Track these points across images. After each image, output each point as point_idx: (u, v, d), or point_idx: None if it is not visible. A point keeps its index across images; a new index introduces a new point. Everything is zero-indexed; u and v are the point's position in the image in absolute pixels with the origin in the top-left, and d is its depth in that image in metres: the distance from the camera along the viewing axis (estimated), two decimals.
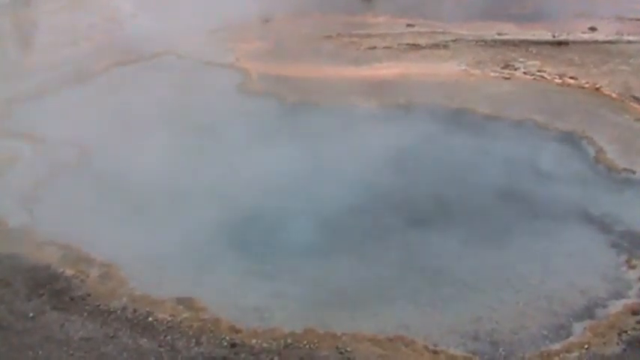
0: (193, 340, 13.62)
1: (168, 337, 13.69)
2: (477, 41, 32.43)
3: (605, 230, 17.62)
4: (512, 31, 34.19)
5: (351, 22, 36.38)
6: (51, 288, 15.15)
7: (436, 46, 32.20)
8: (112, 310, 14.48)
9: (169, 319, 14.19)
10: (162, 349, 13.37)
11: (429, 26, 35.59)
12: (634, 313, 14.37)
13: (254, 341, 13.60)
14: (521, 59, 29.73)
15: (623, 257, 16.41)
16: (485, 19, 36.18)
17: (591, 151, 21.65)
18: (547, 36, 33.04)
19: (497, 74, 28.12)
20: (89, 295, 14.94)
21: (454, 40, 32.72)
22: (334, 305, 15.20)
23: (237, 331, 13.88)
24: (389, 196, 19.57)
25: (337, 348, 13.41)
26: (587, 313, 14.60)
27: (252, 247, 17.38)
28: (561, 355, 13.33)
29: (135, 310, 14.44)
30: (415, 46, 32.12)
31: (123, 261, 16.20)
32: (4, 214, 18.04)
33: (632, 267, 16.00)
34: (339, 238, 17.64)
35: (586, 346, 13.46)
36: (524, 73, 28.16)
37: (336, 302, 15.33)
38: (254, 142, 22.33)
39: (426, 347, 13.58)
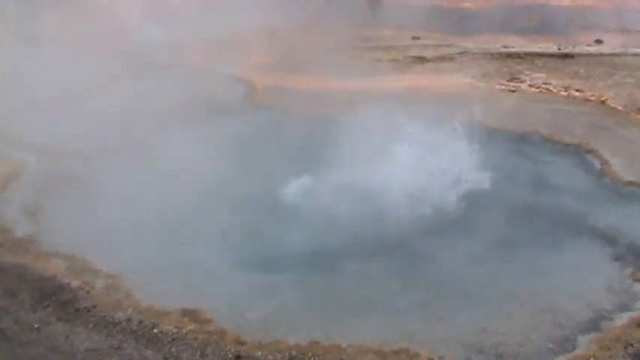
0: (198, 352, 13.59)
1: (174, 349, 13.67)
2: (482, 54, 32.55)
3: (610, 243, 17.57)
4: (517, 44, 34.33)
5: (357, 35, 36.48)
6: (56, 299, 15.16)
7: (442, 58, 32.33)
8: (117, 321, 14.47)
9: (174, 330, 14.17)
10: None
11: (434, 39, 35.79)
12: None
13: (259, 353, 13.59)
14: (526, 72, 29.83)
15: (629, 270, 16.36)
16: (491, 32, 36.33)
17: (597, 164, 21.68)
18: (553, 49, 33.19)
19: (502, 87, 28.23)
20: (95, 306, 14.94)
21: (460, 53, 32.85)
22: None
23: (242, 343, 13.88)
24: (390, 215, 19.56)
25: None
26: (593, 325, 14.53)
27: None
28: None
29: (140, 322, 14.43)
30: (421, 59, 32.24)
31: (128, 272, 16.23)
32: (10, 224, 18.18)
33: (638, 280, 15.94)
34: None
35: (592, 359, 13.43)
36: (530, 85, 28.27)
37: None
38: (259, 153, 22.40)
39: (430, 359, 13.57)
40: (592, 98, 26.53)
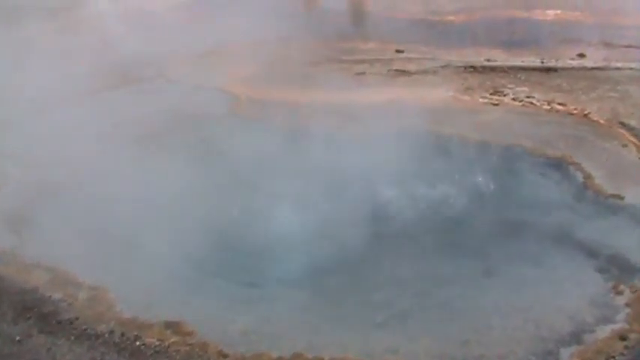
0: None
1: None
2: (465, 67, 32.56)
3: (592, 256, 17.63)
4: (500, 58, 34.34)
5: (341, 48, 36.48)
6: (38, 311, 15.11)
7: (425, 72, 32.31)
8: (99, 333, 14.44)
9: (157, 343, 14.15)
10: None
11: (418, 52, 35.71)
12: (622, 338, 14.40)
13: None
14: (510, 85, 29.85)
15: (611, 283, 16.43)
16: (474, 46, 36.35)
17: (579, 177, 21.75)
18: (536, 62, 33.22)
19: (486, 100, 28.23)
20: (77, 318, 14.89)
21: (443, 67, 32.85)
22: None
23: (225, 356, 13.85)
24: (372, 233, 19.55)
25: None
26: (575, 338, 14.58)
27: None
28: None
29: (122, 334, 14.40)
30: (404, 72, 32.21)
31: (111, 284, 16.15)
32: None
33: (620, 292, 16.02)
34: None
35: None
36: (513, 99, 28.28)
37: None
38: (243, 167, 22.35)
39: None
40: (575, 112, 26.60)
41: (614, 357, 13.84)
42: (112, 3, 39.89)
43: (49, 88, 27.28)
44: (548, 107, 27.25)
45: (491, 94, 28.89)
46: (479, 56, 34.45)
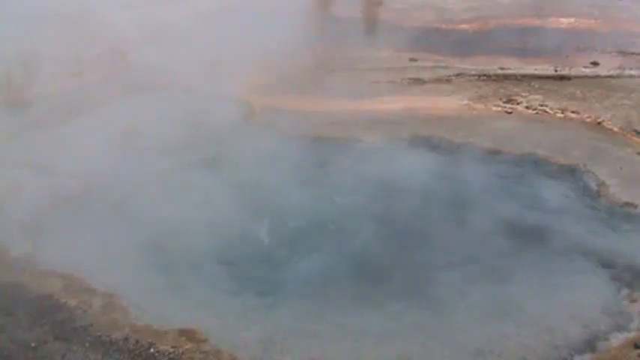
0: None
1: None
2: (479, 76, 32.56)
3: (607, 264, 17.60)
4: (514, 66, 34.33)
5: (355, 57, 36.48)
6: (53, 318, 15.16)
7: (439, 80, 32.30)
8: (113, 340, 14.47)
9: (171, 350, 14.18)
10: None
11: (431, 61, 35.74)
12: (636, 346, 14.36)
13: None
14: (523, 93, 29.82)
15: (625, 291, 16.40)
16: (487, 54, 36.37)
17: (593, 185, 21.71)
18: (549, 70, 33.21)
19: (499, 108, 28.21)
20: (91, 325, 14.94)
21: (457, 75, 32.85)
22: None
23: None
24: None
25: None
26: (589, 346, 14.55)
27: None
28: None
29: (137, 341, 14.43)
30: (418, 81, 32.20)
31: (125, 291, 16.20)
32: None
33: (634, 300, 15.99)
34: None
35: None
36: (527, 107, 28.25)
37: None
38: (259, 177, 22.37)
39: None
40: (588, 120, 26.57)
41: None
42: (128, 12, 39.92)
43: None
44: (562, 115, 27.23)
45: (504, 102, 28.87)
46: (492, 64, 34.47)
